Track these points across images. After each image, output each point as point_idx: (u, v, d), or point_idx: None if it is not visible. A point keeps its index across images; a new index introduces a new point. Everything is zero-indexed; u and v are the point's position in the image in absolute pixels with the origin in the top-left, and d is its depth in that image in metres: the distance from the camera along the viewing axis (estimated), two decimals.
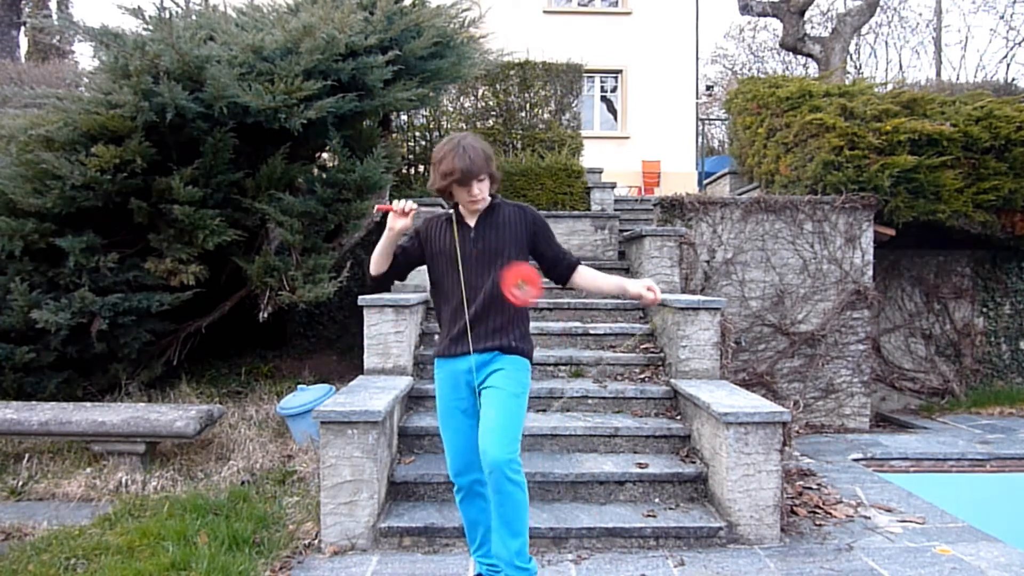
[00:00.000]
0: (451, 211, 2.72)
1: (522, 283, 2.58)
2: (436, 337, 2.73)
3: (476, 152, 2.53)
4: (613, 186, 8.18)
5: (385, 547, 3.44)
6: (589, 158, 9.51)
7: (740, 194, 8.01)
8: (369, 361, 4.57)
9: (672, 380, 4.57)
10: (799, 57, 16.50)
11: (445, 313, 2.73)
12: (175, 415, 4.38)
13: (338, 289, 5.38)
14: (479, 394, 2.66)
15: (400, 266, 2.78)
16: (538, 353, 4.93)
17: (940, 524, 3.82)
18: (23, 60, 13.42)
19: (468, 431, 2.68)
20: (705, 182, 12.00)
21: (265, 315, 5.38)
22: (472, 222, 2.68)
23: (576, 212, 7.25)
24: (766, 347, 6.47)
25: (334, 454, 3.43)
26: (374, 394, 3.83)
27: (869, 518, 3.91)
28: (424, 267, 2.82)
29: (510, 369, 2.66)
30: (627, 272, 6.45)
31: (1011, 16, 19.93)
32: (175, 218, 4.97)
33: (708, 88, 19.85)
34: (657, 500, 3.81)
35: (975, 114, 6.58)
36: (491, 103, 9.26)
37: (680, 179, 13.72)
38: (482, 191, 2.60)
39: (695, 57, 15.19)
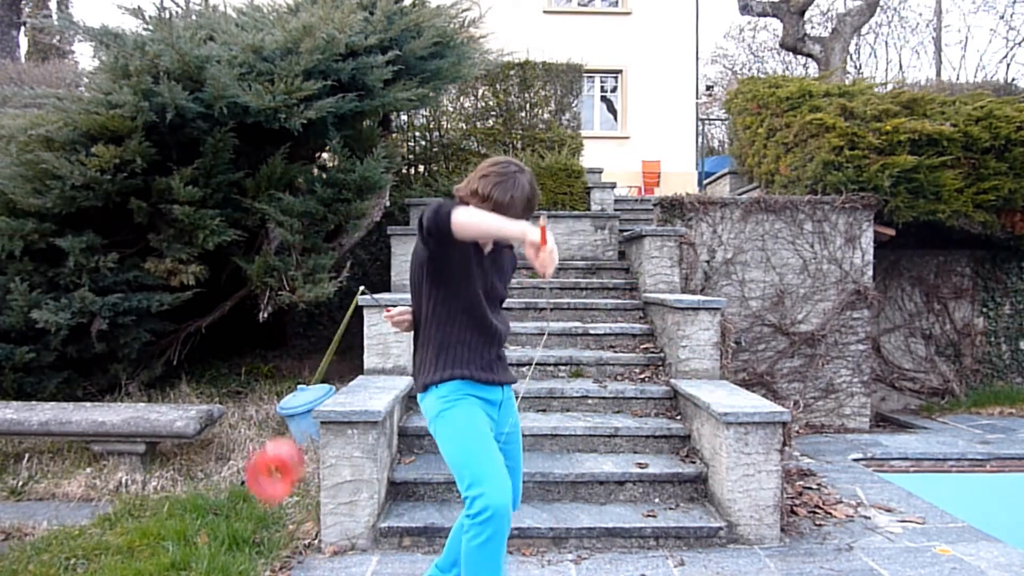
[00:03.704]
0: None
1: (275, 471, 2.14)
2: (443, 360, 2.37)
3: (522, 192, 2.28)
4: (613, 186, 8.17)
5: (385, 547, 3.44)
6: (589, 158, 9.50)
7: (740, 194, 8.01)
8: (369, 361, 4.57)
9: (672, 380, 4.57)
10: (799, 57, 16.50)
11: (469, 330, 2.37)
12: (175, 415, 4.38)
13: (338, 289, 5.38)
14: (498, 438, 2.45)
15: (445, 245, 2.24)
16: (538, 353, 4.94)
17: (940, 524, 3.82)
18: (23, 60, 13.42)
19: (499, 454, 2.36)
20: (705, 182, 11.99)
21: (265, 315, 5.38)
22: (485, 249, 2.43)
23: (576, 212, 7.24)
24: (766, 347, 6.47)
25: (334, 454, 3.43)
26: (374, 394, 3.83)
27: (869, 518, 3.91)
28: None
29: (516, 409, 2.59)
30: (627, 272, 6.46)
31: (1011, 16, 19.94)
32: (175, 218, 4.98)
33: (708, 88, 19.85)
34: (657, 500, 3.81)
35: (975, 114, 6.58)
36: (491, 103, 9.25)
37: (680, 179, 13.72)
38: None
39: (695, 57, 15.19)
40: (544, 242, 2.00)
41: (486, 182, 2.26)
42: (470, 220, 2.08)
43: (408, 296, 2.60)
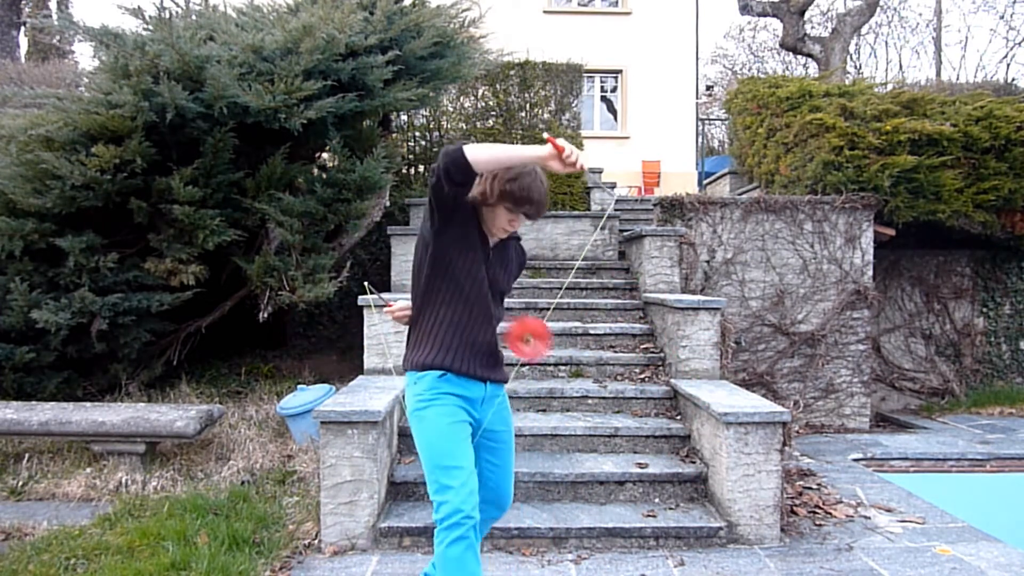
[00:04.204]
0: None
1: (530, 337, 2.29)
2: (430, 341, 2.35)
3: (541, 182, 2.28)
4: (613, 186, 8.18)
5: (385, 547, 3.44)
6: (589, 158, 9.47)
7: (740, 194, 8.01)
8: (369, 361, 4.57)
9: (672, 380, 4.57)
10: (799, 57, 16.50)
11: (461, 320, 2.33)
12: (175, 415, 4.38)
13: (338, 289, 5.38)
14: (484, 435, 2.45)
15: (461, 198, 2.22)
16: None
17: (940, 524, 3.82)
18: (23, 60, 13.42)
19: (471, 453, 2.33)
20: (705, 182, 12.00)
21: (265, 315, 5.38)
22: (491, 243, 2.42)
23: (576, 212, 7.25)
24: (766, 347, 6.47)
25: (334, 454, 3.43)
26: (374, 394, 3.83)
27: (869, 518, 3.91)
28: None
29: (509, 407, 2.57)
30: (627, 272, 6.46)
31: (1011, 16, 19.94)
32: (175, 218, 4.98)
33: (708, 88, 19.85)
34: (657, 500, 3.81)
35: (975, 114, 6.58)
36: (491, 103, 9.25)
37: (680, 179, 13.72)
38: (517, 226, 2.38)
39: (695, 57, 15.18)
40: (560, 148, 2.03)
41: (522, 188, 2.23)
42: (483, 149, 2.06)
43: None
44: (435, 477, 2.25)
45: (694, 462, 3.96)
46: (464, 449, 2.29)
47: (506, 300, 2.65)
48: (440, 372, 2.33)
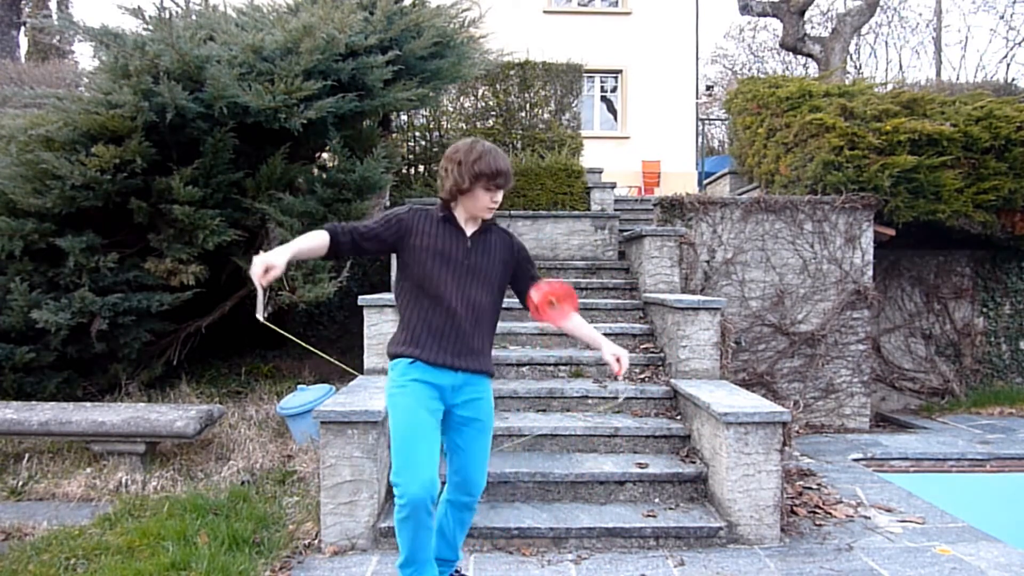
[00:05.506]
0: (442, 211, 2.57)
1: (555, 301, 2.46)
2: (403, 333, 2.57)
3: (507, 159, 2.50)
4: (613, 186, 8.17)
5: (385, 547, 3.43)
6: (589, 158, 9.50)
7: (740, 194, 8.01)
8: (369, 361, 4.58)
9: (672, 380, 4.57)
10: (799, 57, 16.50)
11: (427, 315, 2.52)
12: (175, 415, 4.38)
13: (338, 289, 5.39)
14: (454, 418, 2.58)
15: (359, 246, 2.55)
16: (538, 353, 4.94)
17: (940, 524, 3.82)
18: (23, 60, 13.42)
19: (434, 442, 2.48)
20: (705, 182, 12.00)
21: (265, 315, 5.38)
22: (468, 232, 2.56)
23: (576, 212, 7.24)
24: (766, 347, 6.47)
25: (334, 454, 3.43)
26: (374, 394, 3.83)
27: (869, 518, 3.91)
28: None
29: (488, 399, 2.65)
30: (627, 272, 6.46)
31: (1011, 16, 19.96)
32: (175, 218, 4.98)
33: (708, 88, 19.84)
34: (657, 500, 3.81)
35: (975, 114, 6.58)
36: (491, 103, 9.25)
37: (680, 179, 13.72)
38: (499, 200, 2.53)
39: (695, 57, 15.18)
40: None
41: (485, 164, 2.44)
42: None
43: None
44: (394, 459, 2.46)
45: (694, 462, 3.96)
46: (424, 437, 2.45)
47: (505, 300, 2.66)
48: (410, 360, 2.53)
